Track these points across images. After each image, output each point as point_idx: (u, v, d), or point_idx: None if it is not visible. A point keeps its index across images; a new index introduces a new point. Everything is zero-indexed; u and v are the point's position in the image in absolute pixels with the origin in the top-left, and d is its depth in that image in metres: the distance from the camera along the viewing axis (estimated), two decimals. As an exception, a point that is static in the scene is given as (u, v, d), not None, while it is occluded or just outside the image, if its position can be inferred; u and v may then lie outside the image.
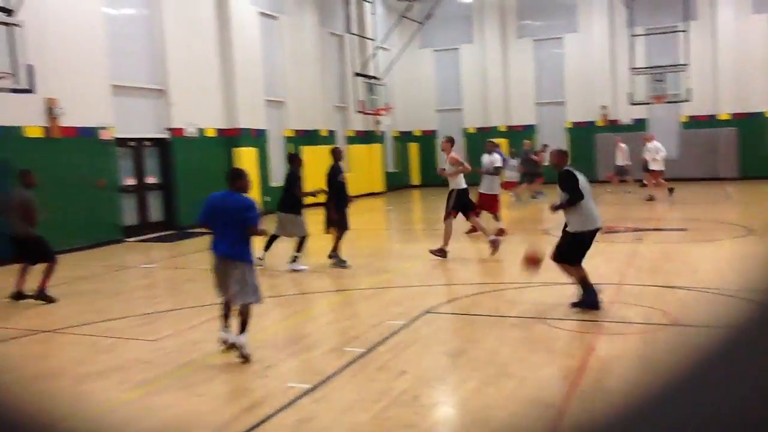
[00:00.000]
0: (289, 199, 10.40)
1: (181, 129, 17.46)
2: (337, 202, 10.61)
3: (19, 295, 8.97)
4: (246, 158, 18.97)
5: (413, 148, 29.87)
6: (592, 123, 27.41)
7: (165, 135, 17.23)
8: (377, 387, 5.37)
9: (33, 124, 13.50)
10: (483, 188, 13.41)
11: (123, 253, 12.79)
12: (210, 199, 6.35)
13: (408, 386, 5.37)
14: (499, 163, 13.65)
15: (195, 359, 6.36)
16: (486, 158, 13.66)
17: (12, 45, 11.39)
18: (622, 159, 21.49)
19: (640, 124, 26.23)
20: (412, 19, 27.48)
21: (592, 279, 7.32)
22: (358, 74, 24.22)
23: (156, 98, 17.09)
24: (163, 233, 16.39)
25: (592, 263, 10.16)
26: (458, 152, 11.94)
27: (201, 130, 18.16)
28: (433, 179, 26.08)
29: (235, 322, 6.14)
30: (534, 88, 28.54)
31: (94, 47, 14.87)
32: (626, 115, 26.50)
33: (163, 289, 10.32)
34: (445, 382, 5.69)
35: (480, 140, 24.49)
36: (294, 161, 10.76)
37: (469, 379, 5.56)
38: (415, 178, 29.66)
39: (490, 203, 13.29)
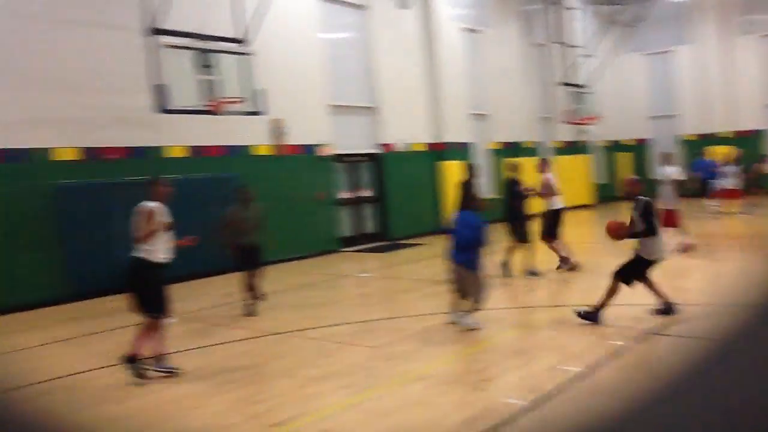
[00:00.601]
0: None
1: (391, 144, 18.16)
2: (518, 214, 10.77)
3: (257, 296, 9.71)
4: (452, 172, 19.24)
5: (623, 158, 28.39)
6: (836, 126, 24.25)
7: (377, 150, 18.02)
8: (601, 410, 5.11)
9: (262, 143, 14.81)
10: (661, 204, 12.62)
11: (340, 262, 13.56)
12: (458, 216, 7.92)
13: (635, 411, 5.05)
14: (676, 176, 12.73)
15: (412, 368, 6.51)
16: (662, 171, 12.87)
17: (245, 72, 12.58)
18: None
19: None
20: (621, 23, 26.23)
21: None
22: (563, 83, 23.58)
23: (369, 116, 17.95)
24: (376, 244, 17.13)
25: None
26: (552, 174, 11.55)
27: (410, 145, 18.75)
28: (646, 190, 24.45)
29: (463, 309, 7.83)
30: (762, 89, 25.83)
31: (314, 70, 16.02)
32: None
33: (378, 298, 10.71)
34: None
35: (699, 148, 22.76)
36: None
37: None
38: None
39: (669, 218, 12.41)
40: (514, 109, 22.63)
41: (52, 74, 11.64)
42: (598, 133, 26.68)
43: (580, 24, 26.15)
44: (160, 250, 6.69)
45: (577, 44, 25.21)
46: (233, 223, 9.45)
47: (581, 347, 6.82)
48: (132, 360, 6.51)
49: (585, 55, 25.30)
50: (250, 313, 9.37)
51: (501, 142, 22.21)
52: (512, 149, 22.35)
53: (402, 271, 13.06)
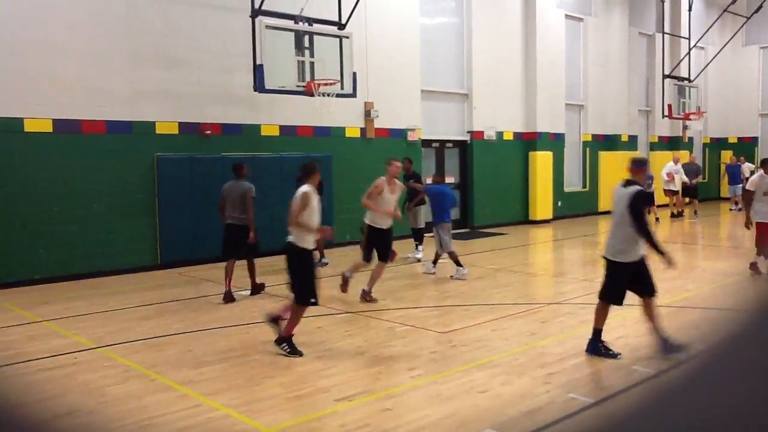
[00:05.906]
0: None
1: (481, 132, 18.04)
2: None
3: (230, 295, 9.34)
4: (541, 162, 18.96)
5: (726, 157, 27.02)
6: None
7: (465, 137, 17.95)
8: (667, 413, 5.03)
9: (352, 125, 15.06)
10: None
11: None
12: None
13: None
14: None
15: (478, 356, 6.58)
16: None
17: (341, 54, 12.79)
18: None
19: None
20: (736, 14, 24.81)
21: None
22: (667, 76, 22.64)
23: (460, 102, 17.89)
24: (457, 231, 17.12)
25: None
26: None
27: (500, 134, 18.55)
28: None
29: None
30: None
31: (409, 55, 16.08)
32: None
33: (453, 285, 10.76)
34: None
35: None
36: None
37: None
38: (725, 189, 26.75)
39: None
40: (611, 101, 21.95)
41: (162, 51, 12.23)
42: (700, 130, 25.50)
43: (692, 14, 24.93)
44: (311, 234, 6.70)
45: (687, 35, 24.05)
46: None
47: (655, 349, 6.67)
48: (282, 341, 6.65)
49: (695, 47, 24.15)
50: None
51: (594, 134, 21.62)
52: (606, 142, 21.75)
53: (479, 259, 13.05)
